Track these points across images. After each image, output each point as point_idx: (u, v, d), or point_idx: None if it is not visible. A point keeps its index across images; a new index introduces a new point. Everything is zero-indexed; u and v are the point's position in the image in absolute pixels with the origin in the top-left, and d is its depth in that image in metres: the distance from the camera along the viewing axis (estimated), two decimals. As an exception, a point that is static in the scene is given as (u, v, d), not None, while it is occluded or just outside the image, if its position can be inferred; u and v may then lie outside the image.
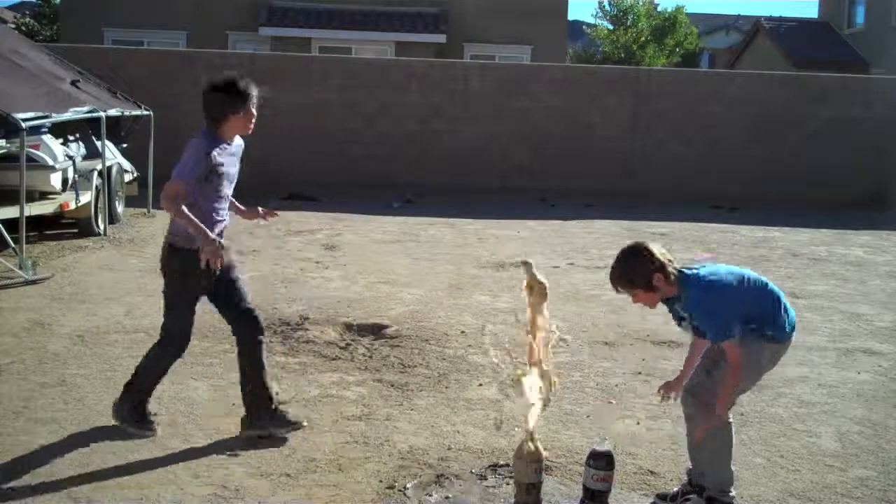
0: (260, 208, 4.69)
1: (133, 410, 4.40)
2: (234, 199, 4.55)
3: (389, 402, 5.00)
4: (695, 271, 3.62)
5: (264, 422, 4.40)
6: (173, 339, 4.43)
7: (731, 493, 3.76)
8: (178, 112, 13.95)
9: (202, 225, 4.10)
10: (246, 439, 4.35)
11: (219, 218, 4.33)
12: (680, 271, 3.60)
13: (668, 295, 3.61)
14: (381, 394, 5.12)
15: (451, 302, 7.40)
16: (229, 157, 4.32)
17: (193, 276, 4.23)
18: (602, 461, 3.67)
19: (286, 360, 5.68)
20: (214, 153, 4.19)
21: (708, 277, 3.59)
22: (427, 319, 6.77)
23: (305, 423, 4.52)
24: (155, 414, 4.52)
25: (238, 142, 4.43)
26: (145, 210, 11.48)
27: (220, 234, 4.31)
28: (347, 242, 10.14)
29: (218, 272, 4.26)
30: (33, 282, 7.49)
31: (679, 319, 3.70)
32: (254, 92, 4.27)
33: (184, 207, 4.09)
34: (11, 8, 40.27)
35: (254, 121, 4.33)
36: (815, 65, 23.38)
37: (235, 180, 4.42)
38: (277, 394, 4.56)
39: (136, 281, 7.56)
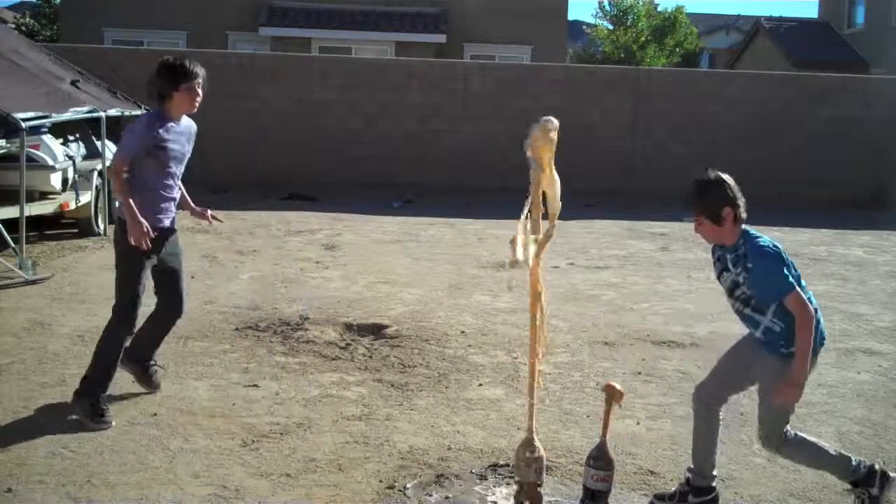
0: (209, 211, 4.95)
1: (92, 408, 4.50)
2: (186, 195, 4.87)
3: (389, 402, 5.00)
4: (759, 234, 3.63)
5: (133, 368, 4.87)
6: (123, 313, 4.61)
7: (856, 461, 3.71)
8: (178, 112, 13.95)
9: (135, 209, 4.40)
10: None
11: (168, 195, 4.64)
12: (744, 227, 3.61)
13: (726, 239, 3.61)
14: (381, 394, 5.12)
15: (451, 302, 7.40)
16: (176, 134, 4.56)
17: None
18: (602, 461, 3.66)
19: (286, 360, 5.68)
20: (159, 129, 4.47)
21: (773, 241, 3.62)
22: (427, 319, 6.77)
23: (161, 391, 4.91)
24: (105, 410, 4.55)
25: (187, 122, 4.68)
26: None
27: (170, 212, 4.68)
28: (347, 242, 10.14)
29: (152, 255, 4.57)
30: (33, 282, 7.49)
31: (722, 271, 3.67)
32: (199, 72, 4.51)
33: (126, 187, 4.42)
34: (11, 8, 40.28)
35: (198, 100, 4.55)
36: (815, 65, 23.37)
37: (185, 160, 4.70)
38: (155, 361, 4.97)
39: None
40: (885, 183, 15.64)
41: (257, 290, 7.53)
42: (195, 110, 4.60)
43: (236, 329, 6.29)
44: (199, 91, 4.52)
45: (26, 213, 8.02)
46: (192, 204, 4.90)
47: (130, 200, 4.40)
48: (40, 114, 8.43)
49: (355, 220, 11.72)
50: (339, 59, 17.13)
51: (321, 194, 13.81)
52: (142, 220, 4.40)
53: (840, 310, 7.65)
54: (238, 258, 8.93)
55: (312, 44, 20.21)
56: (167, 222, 4.67)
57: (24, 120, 7.85)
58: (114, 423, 4.49)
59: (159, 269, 4.73)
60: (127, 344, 4.67)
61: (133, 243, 4.40)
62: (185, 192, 4.86)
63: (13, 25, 26.70)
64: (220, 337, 6.11)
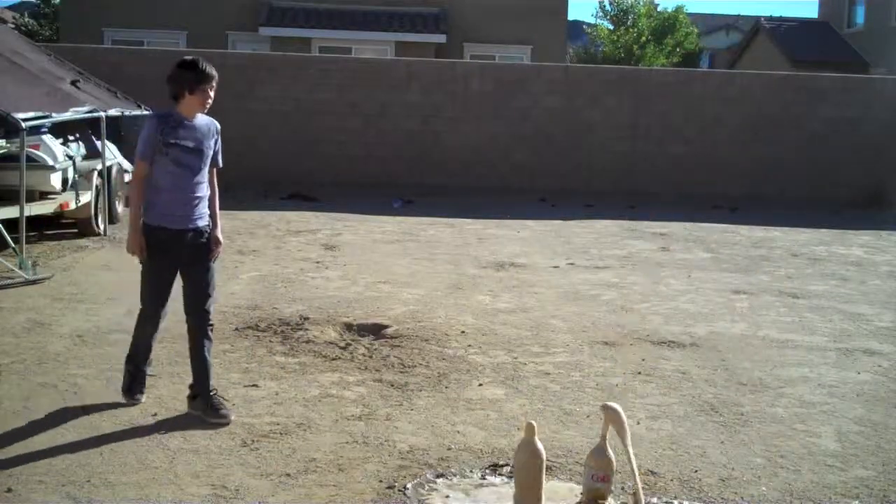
0: (219, 243, 4.77)
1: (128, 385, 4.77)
2: (217, 212, 4.74)
3: (389, 402, 5.00)
4: None
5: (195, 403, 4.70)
6: (143, 311, 4.77)
7: None
8: (178, 112, 13.94)
9: (137, 217, 4.54)
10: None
11: (184, 195, 4.54)
12: None
13: None
14: (381, 394, 5.12)
15: (451, 302, 7.40)
16: (187, 132, 4.51)
17: (159, 250, 4.56)
18: (602, 461, 3.66)
19: (286, 360, 5.68)
20: (167, 128, 4.47)
21: None
22: (427, 319, 6.76)
23: (234, 417, 4.62)
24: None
25: (204, 120, 4.62)
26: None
27: (192, 215, 4.56)
28: (347, 242, 10.14)
29: (168, 257, 4.58)
30: (33, 282, 7.49)
31: None
32: (212, 74, 4.51)
33: (137, 192, 4.55)
34: (11, 8, 40.31)
35: (209, 101, 4.54)
36: (815, 65, 23.37)
37: (207, 157, 4.61)
38: (214, 389, 4.72)
39: (137, 281, 7.56)
40: (885, 183, 15.64)
41: (257, 290, 7.53)
42: (205, 110, 4.59)
43: (236, 329, 6.29)
44: (211, 94, 4.53)
45: (26, 213, 8.03)
46: (217, 231, 4.75)
47: (135, 208, 4.52)
48: (40, 114, 8.44)
49: (355, 220, 11.72)
50: (339, 59, 17.13)
51: (321, 194, 13.81)
52: (139, 233, 4.52)
53: (840, 310, 7.65)
54: (238, 258, 8.93)
55: (312, 44, 20.21)
56: (189, 225, 4.56)
57: (24, 120, 7.85)
58: (143, 400, 4.77)
59: (188, 268, 4.64)
60: (154, 341, 4.80)
61: (128, 251, 4.60)
62: (216, 209, 4.74)
63: (13, 25, 26.70)
64: (220, 337, 6.09)
